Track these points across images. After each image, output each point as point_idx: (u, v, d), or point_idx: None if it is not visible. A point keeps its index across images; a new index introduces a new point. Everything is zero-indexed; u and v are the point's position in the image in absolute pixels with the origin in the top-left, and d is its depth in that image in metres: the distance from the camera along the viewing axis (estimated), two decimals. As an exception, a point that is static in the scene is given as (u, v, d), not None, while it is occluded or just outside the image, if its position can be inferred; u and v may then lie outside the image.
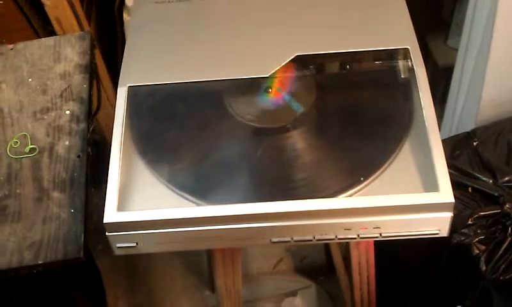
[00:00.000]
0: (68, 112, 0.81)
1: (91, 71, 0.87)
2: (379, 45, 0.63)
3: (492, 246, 0.82)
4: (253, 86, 0.63)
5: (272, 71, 0.62)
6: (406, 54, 0.63)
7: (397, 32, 0.64)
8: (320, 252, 1.30)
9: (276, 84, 0.63)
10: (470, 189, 0.87)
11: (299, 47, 0.63)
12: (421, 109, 0.58)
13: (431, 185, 0.54)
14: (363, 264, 0.77)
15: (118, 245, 0.56)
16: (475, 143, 0.94)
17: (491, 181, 0.88)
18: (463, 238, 0.83)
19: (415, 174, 0.56)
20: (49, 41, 0.90)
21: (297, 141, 0.60)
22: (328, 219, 0.54)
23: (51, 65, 0.86)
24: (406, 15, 0.66)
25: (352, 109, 0.61)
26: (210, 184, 0.57)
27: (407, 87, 0.61)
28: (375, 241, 0.71)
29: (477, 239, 0.83)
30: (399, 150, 0.57)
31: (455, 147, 0.94)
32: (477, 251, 0.82)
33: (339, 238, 0.56)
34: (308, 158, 0.59)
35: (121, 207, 0.55)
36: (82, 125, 0.79)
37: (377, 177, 0.55)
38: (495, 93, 1.09)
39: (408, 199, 0.53)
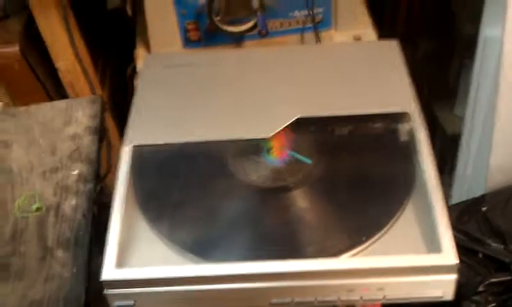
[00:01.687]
0: (75, 172, 0.82)
1: (100, 134, 0.89)
2: (380, 108, 0.64)
3: (504, 315, 0.79)
4: (255, 147, 0.64)
5: (274, 133, 0.63)
6: (406, 117, 0.63)
7: (398, 96, 0.65)
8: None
9: (277, 145, 0.64)
10: (480, 255, 0.86)
11: (301, 109, 0.65)
12: (422, 170, 0.58)
13: (434, 246, 0.53)
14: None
15: (116, 304, 0.55)
16: (484, 209, 0.93)
17: (501, 247, 0.86)
18: (473, 306, 0.81)
19: (417, 236, 0.55)
20: (61, 104, 0.93)
21: (299, 200, 0.60)
22: (329, 279, 0.53)
23: (62, 127, 0.88)
24: (405, 79, 0.67)
25: (354, 170, 0.61)
26: (211, 243, 0.57)
27: (408, 150, 0.61)
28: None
29: (488, 307, 0.80)
30: (401, 211, 0.57)
31: (463, 212, 0.93)
32: (489, 320, 0.79)
33: (342, 300, 0.55)
34: (309, 218, 0.58)
35: (120, 264, 0.55)
36: (89, 186, 0.80)
37: (379, 238, 0.55)
38: (502, 160, 1.08)
39: (409, 261, 0.52)
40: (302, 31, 0.95)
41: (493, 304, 0.81)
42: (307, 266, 0.53)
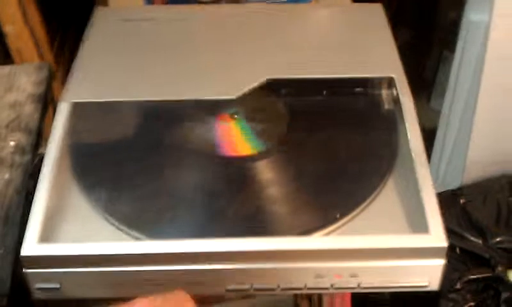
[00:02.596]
0: (12, 143, 0.72)
1: (45, 102, 0.79)
2: (360, 73, 0.56)
3: (484, 315, 0.73)
4: (216, 110, 0.55)
5: (240, 94, 0.54)
6: (390, 83, 0.55)
7: (381, 60, 0.57)
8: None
9: (242, 108, 0.55)
10: (458, 250, 0.79)
11: (272, 70, 0.56)
12: (407, 141, 0.50)
13: (419, 226, 0.45)
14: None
15: (38, 286, 0.46)
16: (462, 201, 0.86)
17: (480, 241, 0.80)
18: (451, 305, 0.74)
19: (400, 214, 0.47)
20: (4, 69, 0.82)
21: (263, 172, 0.51)
22: (295, 262, 0.45)
23: (2, 94, 0.78)
24: (391, 43, 0.60)
25: (330, 140, 0.53)
26: (156, 217, 0.47)
27: (391, 119, 0.54)
28: (352, 296, 0.61)
29: (467, 306, 0.73)
30: (382, 186, 0.48)
31: (440, 204, 0.86)
32: (467, 320, 0.73)
33: (309, 288, 0.46)
34: (275, 191, 0.50)
35: (45, 238, 0.45)
36: (27, 157, 0.70)
37: (356, 215, 0.46)
38: (480, 154, 1.04)
39: (390, 241, 0.44)
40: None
41: (471, 303, 0.74)
42: (268, 245, 0.44)
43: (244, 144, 0.52)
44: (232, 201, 0.48)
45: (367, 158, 0.51)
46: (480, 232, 0.81)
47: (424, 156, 0.48)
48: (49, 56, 1.03)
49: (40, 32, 1.02)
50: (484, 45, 0.95)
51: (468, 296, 0.74)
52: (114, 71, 0.58)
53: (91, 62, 0.59)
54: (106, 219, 0.47)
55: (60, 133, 0.51)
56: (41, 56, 1.00)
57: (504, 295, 0.72)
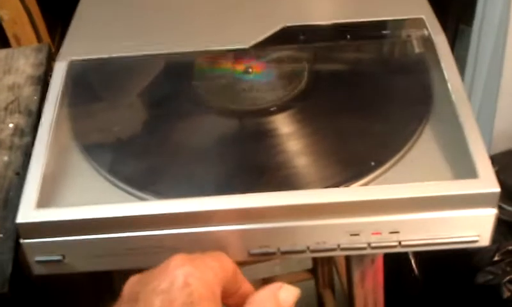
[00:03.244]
0: (11, 125, 0.68)
1: (44, 83, 0.75)
2: (387, 15, 0.51)
3: (527, 287, 0.67)
4: (230, 61, 0.50)
5: (254, 43, 0.49)
6: (420, 24, 0.50)
7: (408, 1, 0.52)
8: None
9: (259, 58, 0.50)
10: (493, 220, 0.73)
11: (289, 16, 0.51)
12: (444, 82, 0.45)
13: (466, 171, 0.40)
14: (370, 308, 0.61)
15: (37, 258, 0.41)
16: (495, 169, 0.80)
17: (518, 210, 0.74)
18: (489, 278, 0.68)
19: (442, 160, 0.41)
20: (1, 53, 0.79)
21: (285, 124, 0.45)
22: (326, 218, 0.39)
23: (0, 76, 0.74)
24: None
25: (357, 87, 0.47)
26: (165, 176, 0.42)
27: (423, 61, 0.48)
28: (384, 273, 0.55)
29: (507, 278, 0.68)
30: (420, 131, 0.43)
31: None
32: (508, 294, 0.67)
33: (342, 248, 0.40)
34: (299, 144, 0.44)
35: (43, 203, 0.40)
36: (26, 139, 0.66)
37: (393, 164, 0.41)
38: (508, 125, 0.99)
39: (435, 189, 0.38)
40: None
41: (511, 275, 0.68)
42: (295, 199, 0.38)
43: (264, 95, 0.47)
44: (252, 155, 0.43)
45: (400, 103, 0.45)
46: (517, 200, 0.75)
47: (464, 94, 0.43)
48: (48, 40, 0.99)
49: (38, 16, 0.98)
50: (506, 11, 0.91)
51: (508, 268, 0.68)
52: (115, 25, 0.53)
53: (90, 18, 0.54)
54: (110, 181, 0.42)
55: (58, 93, 0.46)
56: (39, 40, 0.97)
57: (548, 264, 0.66)
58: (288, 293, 0.36)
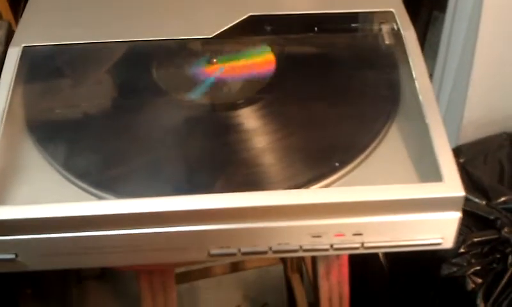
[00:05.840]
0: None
1: (3, 62, 0.72)
2: (356, 7, 0.49)
3: (490, 279, 0.67)
4: (192, 51, 0.48)
5: (218, 32, 0.47)
6: (389, 17, 0.49)
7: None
8: (282, 299, 1.15)
9: (222, 48, 0.48)
10: (460, 212, 0.73)
11: (255, 5, 0.49)
12: (412, 80, 0.44)
13: (431, 174, 0.39)
14: (335, 301, 0.61)
15: (-11, 257, 0.39)
16: (461, 161, 0.80)
17: (484, 202, 0.74)
18: (454, 270, 0.68)
19: (407, 161, 0.41)
20: (-41, 31, 0.75)
21: (249, 120, 0.44)
22: (288, 220, 0.38)
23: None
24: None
25: (323, 82, 0.46)
26: (123, 174, 0.40)
27: (392, 57, 0.47)
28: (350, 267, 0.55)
29: (472, 270, 0.68)
30: (385, 131, 0.42)
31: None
32: (473, 285, 0.67)
33: (305, 250, 0.40)
34: (262, 141, 0.43)
35: (-6, 201, 0.38)
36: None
37: (358, 164, 0.40)
38: (477, 113, 0.99)
39: (399, 192, 0.38)
40: None
41: (477, 268, 0.68)
42: (256, 200, 0.37)
43: (225, 89, 0.45)
44: (213, 153, 0.41)
45: (366, 100, 0.44)
46: (483, 192, 0.75)
47: (432, 94, 0.42)
48: (9, 16, 0.95)
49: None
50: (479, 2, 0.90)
51: (473, 260, 0.68)
52: (72, 12, 0.50)
53: (45, 4, 0.51)
54: (65, 177, 0.40)
55: (10, 81, 0.44)
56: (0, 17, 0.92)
57: (512, 257, 0.67)
58: None
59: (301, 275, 1.02)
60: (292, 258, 0.98)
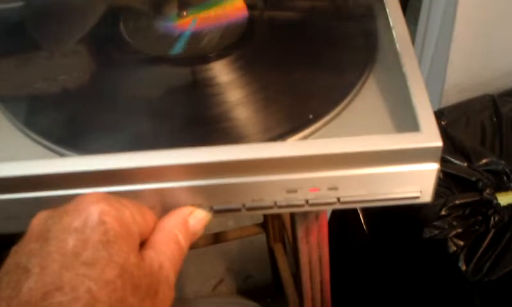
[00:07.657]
0: None
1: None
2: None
3: (472, 241, 0.67)
4: (163, 4, 0.46)
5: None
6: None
7: None
8: (266, 270, 1.15)
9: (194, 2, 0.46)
10: (441, 174, 0.72)
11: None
12: (389, 30, 0.42)
13: (408, 125, 0.37)
14: (315, 264, 0.60)
15: None
16: (443, 123, 0.80)
17: (465, 164, 0.73)
18: (436, 233, 0.68)
19: (384, 112, 0.39)
20: None
21: (222, 73, 0.42)
22: (262, 175, 0.37)
23: None
24: None
25: (297, 32, 0.44)
26: (87, 130, 0.38)
27: (367, 6, 0.45)
28: (329, 227, 0.54)
29: (453, 233, 0.67)
30: (362, 82, 0.41)
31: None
32: (455, 248, 0.67)
33: (279, 206, 0.38)
34: (233, 94, 0.41)
35: None
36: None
37: (333, 117, 0.39)
38: (459, 76, 0.98)
39: (375, 143, 0.36)
40: None
41: (459, 230, 0.68)
42: (227, 154, 0.36)
43: (196, 41, 0.43)
44: (182, 106, 0.39)
45: (343, 51, 0.42)
46: (465, 155, 0.75)
47: (409, 44, 0.41)
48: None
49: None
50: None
51: (455, 222, 0.68)
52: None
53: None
54: (26, 134, 0.38)
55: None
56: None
57: (494, 219, 0.66)
58: (198, 219, 0.36)
59: (284, 244, 1.01)
60: (273, 227, 0.97)
